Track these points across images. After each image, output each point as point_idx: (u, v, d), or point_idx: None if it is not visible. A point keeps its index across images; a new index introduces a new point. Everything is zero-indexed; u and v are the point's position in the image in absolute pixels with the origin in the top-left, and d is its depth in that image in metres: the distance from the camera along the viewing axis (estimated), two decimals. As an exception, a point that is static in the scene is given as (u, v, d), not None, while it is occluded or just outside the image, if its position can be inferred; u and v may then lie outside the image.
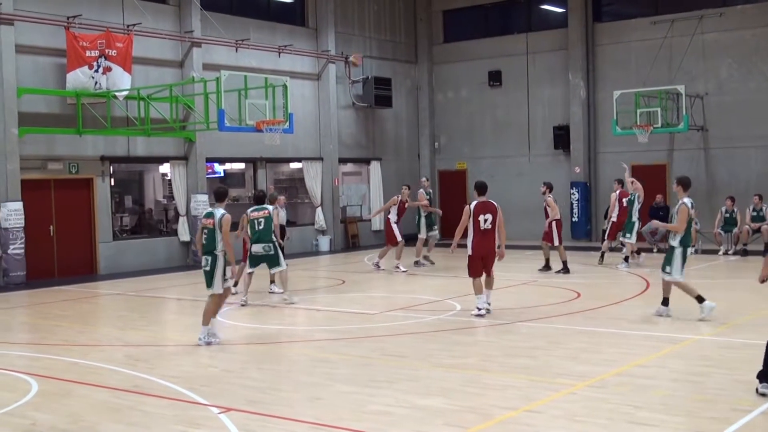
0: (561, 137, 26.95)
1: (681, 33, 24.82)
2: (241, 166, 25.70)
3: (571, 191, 26.54)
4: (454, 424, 7.46)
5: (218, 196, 11.87)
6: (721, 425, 7.16)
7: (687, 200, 12.22)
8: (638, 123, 23.04)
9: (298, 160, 25.94)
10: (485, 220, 12.80)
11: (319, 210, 26.09)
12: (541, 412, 7.77)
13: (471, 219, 12.79)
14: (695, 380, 8.79)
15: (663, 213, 23.32)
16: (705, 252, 21.73)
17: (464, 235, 13.04)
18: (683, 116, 22.88)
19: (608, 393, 8.36)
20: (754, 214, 21.43)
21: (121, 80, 20.40)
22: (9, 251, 18.76)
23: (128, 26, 21.03)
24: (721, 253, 21.49)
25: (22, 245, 18.95)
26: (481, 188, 13.08)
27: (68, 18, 19.94)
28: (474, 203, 12.94)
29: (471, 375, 9.33)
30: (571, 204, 26.56)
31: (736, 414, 7.44)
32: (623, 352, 10.31)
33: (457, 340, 11.43)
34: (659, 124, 22.90)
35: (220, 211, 11.39)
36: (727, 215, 21.87)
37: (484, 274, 13.03)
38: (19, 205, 18.94)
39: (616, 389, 8.49)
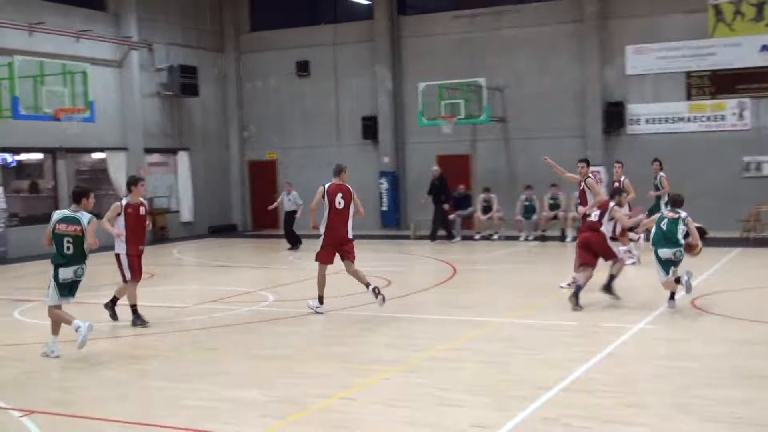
0: (369, 127, 27.33)
1: (481, 28, 25.79)
2: (39, 156, 24.40)
3: (380, 180, 26.98)
4: (270, 415, 7.43)
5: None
6: (525, 403, 7.51)
7: None
8: (443, 114, 23.73)
9: (101, 150, 24.94)
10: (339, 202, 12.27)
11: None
12: (355, 399, 7.87)
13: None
14: (501, 361, 9.18)
15: (464, 202, 24.19)
16: (507, 238, 22.69)
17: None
18: (485, 108, 23.76)
19: (419, 377, 8.60)
20: (552, 201, 22.60)
21: None
22: None
23: None
24: (521, 239, 22.53)
25: None
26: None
27: None
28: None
29: (286, 365, 9.33)
30: (380, 193, 27.01)
31: (539, 392, 7.82)
32: (432, 337, 10.62)
33: (271, 330, 11.40)
34: (462, 116, 23.66)
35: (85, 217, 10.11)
36: (527, 203, 22.95)
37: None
38: None
39: (426, 373, 8.74)
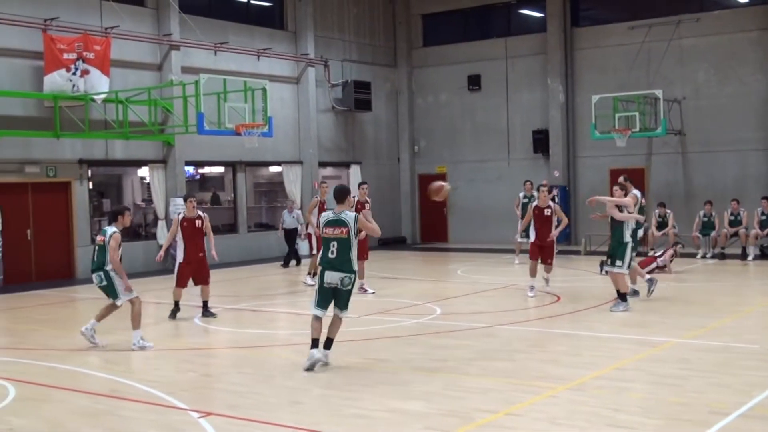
0: (540, 141, 27.03)
1: (658, 38, 25.00)
2: (221, 169, 25.61)
3: (551, 195, 26.59)
4: (434, 428, 7.45)
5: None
6: (699, 428, 7.19)
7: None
8: (616, 127, 23.16)
9: (278, 163, 25.88)
10: None
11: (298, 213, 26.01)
12: (521, 415, 7.78)
13: None
14: (673, 383, 8.83)
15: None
16: (684, 255, 21.81)
17: None
18: (661, 120, 23.03)
19: (588, 396, 8.39)
20: (732, 218, 21.60)
21: (99, 83, 20.27)
22: (-15, 255, 18.63)
23: (106, 29, 20.92)
24: (699, 256, 21.63)
25: (-1, 249, 18.83)
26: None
27: (45, 20, 19.81)
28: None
29: (451, 378, 9.34)
30: (551, 207, 26.60)
31: (714, 417, 7.48)
32: (602, 355, 10.35)
33: (437, 343, 11.43)
34: (637, 129, 23.03)
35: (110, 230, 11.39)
36: (705, 219, 22.02)
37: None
38: (-4, 208, 18.80)
39: (595, 392, 8.52)
